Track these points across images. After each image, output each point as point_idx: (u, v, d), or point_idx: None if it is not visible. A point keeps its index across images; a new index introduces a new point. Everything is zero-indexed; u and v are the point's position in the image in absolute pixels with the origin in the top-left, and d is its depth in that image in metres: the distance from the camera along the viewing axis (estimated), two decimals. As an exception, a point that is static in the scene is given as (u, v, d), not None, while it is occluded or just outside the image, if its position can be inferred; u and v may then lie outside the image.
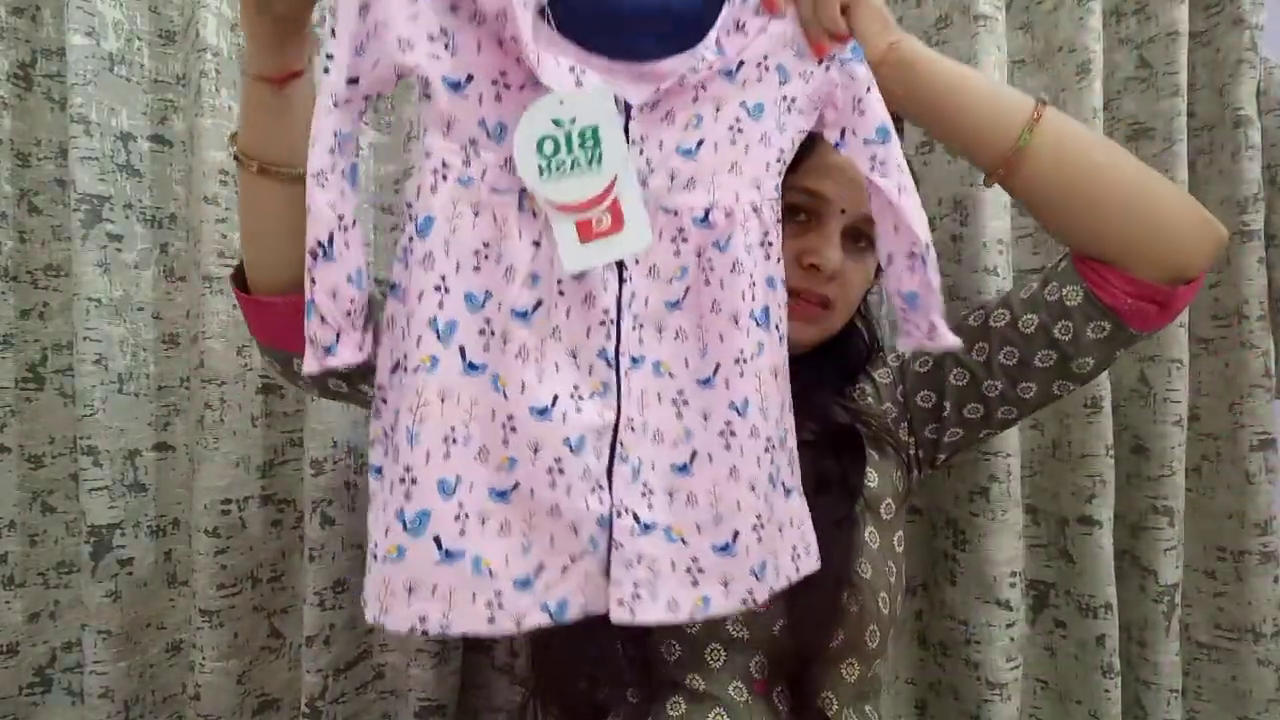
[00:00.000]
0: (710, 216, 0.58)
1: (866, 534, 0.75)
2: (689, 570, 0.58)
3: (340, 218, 0.54)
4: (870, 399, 0.82)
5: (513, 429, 0.54)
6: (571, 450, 0.54)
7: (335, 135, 0.53)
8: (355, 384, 0.71)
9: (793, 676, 0.70)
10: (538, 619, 0.54)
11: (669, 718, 0.71)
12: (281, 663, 1.00)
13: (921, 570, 1.05)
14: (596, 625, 0.67)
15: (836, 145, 0.62)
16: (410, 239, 0.54)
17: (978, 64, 0.95)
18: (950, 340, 0.62)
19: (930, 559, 1.04)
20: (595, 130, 0.53)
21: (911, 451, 0.81)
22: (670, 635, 0.71)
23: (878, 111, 0.61)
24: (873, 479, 0.77)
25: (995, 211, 0.96)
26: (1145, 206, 0.65)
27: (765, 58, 0.59)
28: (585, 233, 0.54)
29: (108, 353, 0.93)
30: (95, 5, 0.91)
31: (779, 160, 0.61)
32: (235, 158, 0.63)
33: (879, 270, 0.81)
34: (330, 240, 0.53)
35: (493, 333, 0.54)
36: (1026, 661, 1.01)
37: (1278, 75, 0.98)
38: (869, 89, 0.61)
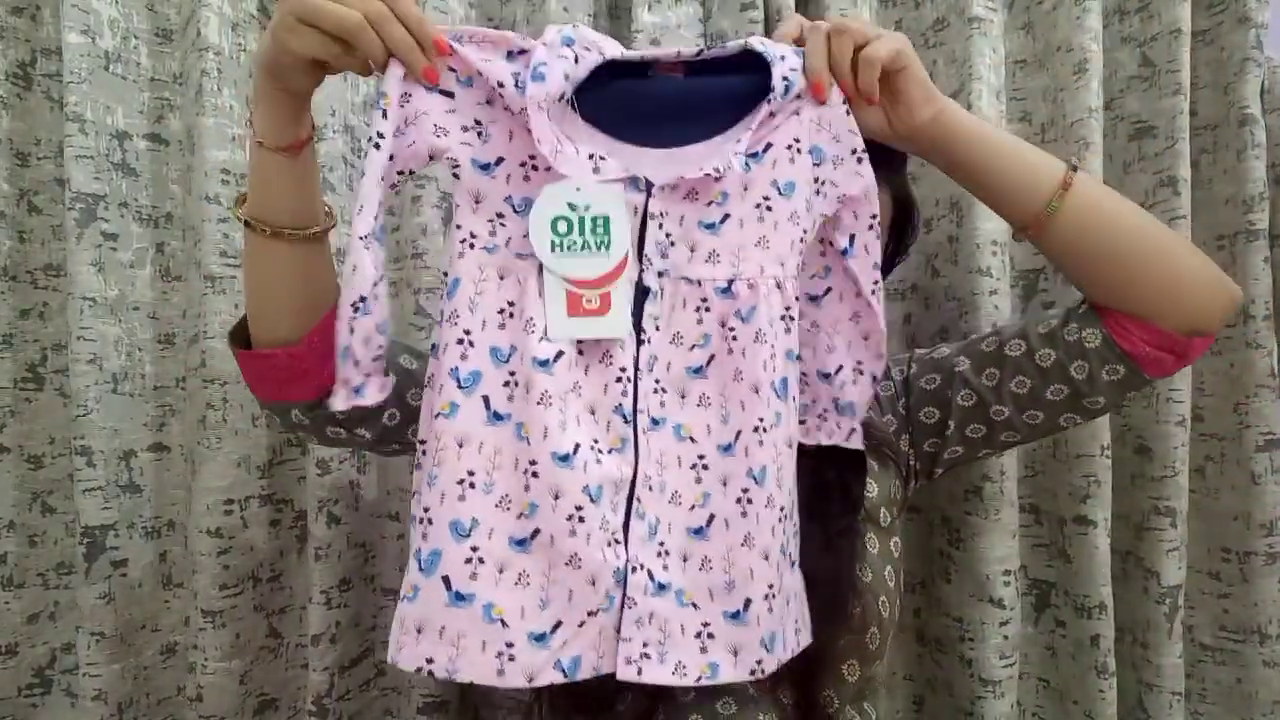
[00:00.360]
0: (733, 287, 0.61)
1: (866, 540, 0.76)
2: (698, 635, 0.59)
3: (379, 275, 0.58)
4: (871, 411, 0.81)
5: (534, 474, 0.56)
6: (591, 499, 0.56)
7: (379, 205, 0.57)
8: (352, 429, 0.73)
9: (796, 676, 0.70)
10: (550, 676, 0.56)
11: (678, 703, 0.71)
12: (280, 662, 1.00)
13: (919, 568, 1.05)
14: None
15: (844, 252, 0.65)
16: (443, 300, 0.59)
17: (972, 66, 0.96)
18: (859, 446, 0.69)
19: (927, 557, 1.04)
20: (607, 220, 0.58)
21: (910, 463, 0.81)
22: None
23: (878, 245, 0.65)
24: (872, 489, 0.77)
25: (989, 213, 0.95)
26: (1167, 269, 0.67)
27: (796, 140, 0.61)
28: (574, 307, 0.58)
29: (103, 352, 0.92)
30: (91, 3, 0.91)
31: (802, 239, 0.63)
32: (245, 223, 0.65)
33: (887, 268, 0.82)
34: (367, 296, 0.57)
35: (517, 384, 0.58)
36: (1029, 661, 1.01)
37: (1281, 74, 0.97)
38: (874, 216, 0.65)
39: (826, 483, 0.74)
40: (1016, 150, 0.67)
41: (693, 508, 0.60)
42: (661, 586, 0.58)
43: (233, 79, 0.93)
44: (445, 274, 0.62)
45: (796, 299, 0.63)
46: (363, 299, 0.57)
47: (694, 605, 0.59)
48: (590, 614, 0.57)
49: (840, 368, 0.67)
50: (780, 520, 0.61)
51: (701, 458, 0.60)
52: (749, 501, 0.59)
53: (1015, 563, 0.95)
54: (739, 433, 0.60)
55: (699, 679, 0.58)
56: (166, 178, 0.99)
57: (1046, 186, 0.66)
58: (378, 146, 0.56)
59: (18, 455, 0.97)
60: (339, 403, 0.58)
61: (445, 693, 0.96)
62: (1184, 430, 0.96)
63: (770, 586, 0.60)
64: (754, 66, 0.61)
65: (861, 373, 0.67)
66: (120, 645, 0.94)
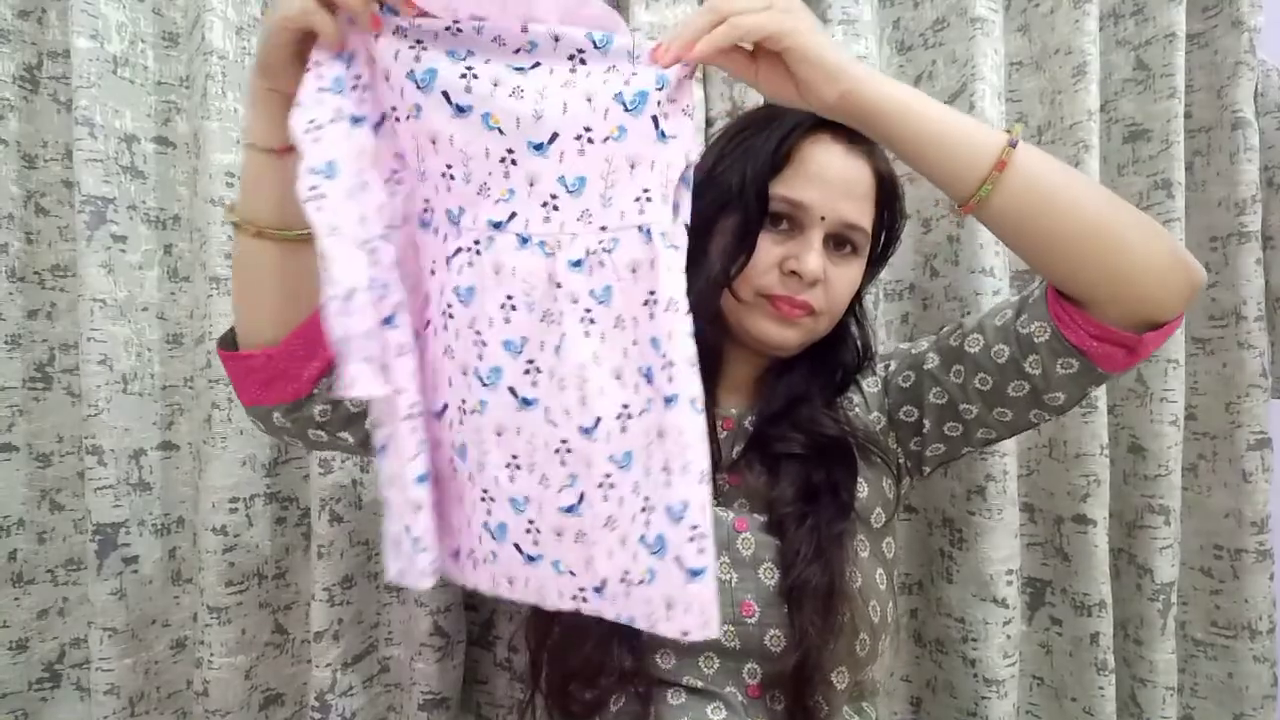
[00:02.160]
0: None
1: (856, 542, 0.76)
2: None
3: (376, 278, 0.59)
4: (858, 409, 0.82)
5: (569, 450, 0.59)
6: (620, 467, 0.58)
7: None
8: (334, 432, 0.74)
9: (785, 683, 0.71)
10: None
11: (670, 706, 0.72)
12: (285, 658, 1.01)
13: (918, 569, 1.06)
14: (591, 631, 0.68)
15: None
16: (449, 307, 0.61)
17: (975, 67, 0.96)
18: None
19: (927, 557, 1.05)
20: None
21: (900, 461, 0.82)
22: (663, 643, 0.72)
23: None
24: (862, 489, 0.77)
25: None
26: (1110, 250, 0.62)
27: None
28: None
29: (112, 353, 0.94)
30: (99, 8, 0.92)
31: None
32: (234, 224, 0.67)
33: (871, 271, 0.81)
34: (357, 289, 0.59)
35: (538, 369, 0.59)
36: (1023, 658, 1.02)
37: (1275, 78, 0.99)
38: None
39: (815, 486, 0.74)
40: (944, 128, 0.62)
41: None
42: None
43: (237, 82, 0.94)
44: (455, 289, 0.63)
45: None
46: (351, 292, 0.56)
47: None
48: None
49: None
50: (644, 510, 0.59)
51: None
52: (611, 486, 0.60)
53: (1017, 562, 0.96)
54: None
55: None
56: (174, 180, 1.00)
57: (981, 165, 0.61)
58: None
59: (27, 453, 0.98)
60: (343, 390, 0.57)
61: (446, 689, 0.98)
62: (1177, 429, 0.97)
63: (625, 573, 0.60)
64: None
65: None
66: (131, 640, 0.96)
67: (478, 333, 0.60)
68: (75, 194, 0.92)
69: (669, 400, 0.55)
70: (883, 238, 0.81)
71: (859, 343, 0.85)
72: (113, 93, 0.94)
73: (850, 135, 0.72)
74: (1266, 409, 0.98)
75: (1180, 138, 0.96)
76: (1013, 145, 0.61)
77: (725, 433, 0.80)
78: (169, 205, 1.00)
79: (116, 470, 0.94)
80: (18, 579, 0.98)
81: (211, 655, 0.93)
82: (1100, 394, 0.95)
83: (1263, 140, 0.98)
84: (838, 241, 0.76)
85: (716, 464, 0.74)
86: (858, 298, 0.82)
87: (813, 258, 0.73)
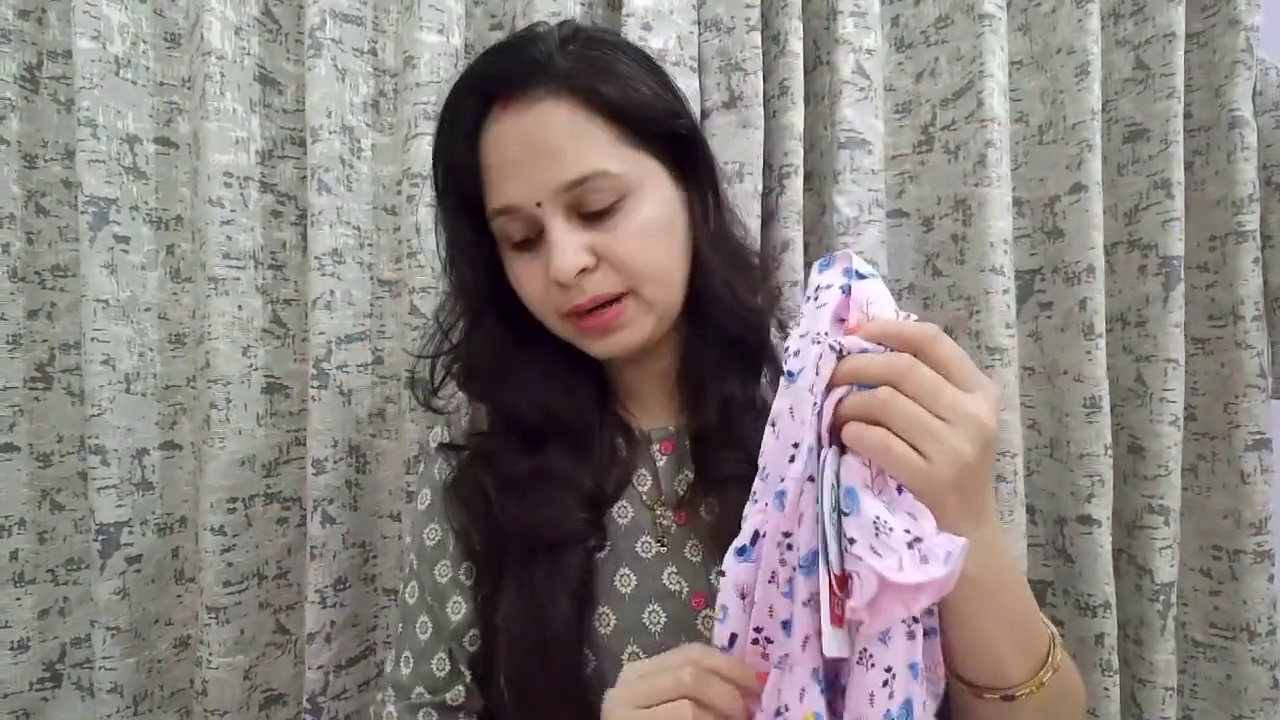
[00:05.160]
0: None
1: None
2: None
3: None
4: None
5: None
6: None
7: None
8: None
9: None
10: None
11: None
12: (287, 658, 1.01)
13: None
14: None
15: None
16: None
17: (983, 64, 0.96)
18: None
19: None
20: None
21: None
22: None
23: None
24: None
25: (998, 211, 0.96)
26: None
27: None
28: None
29: (115, 353, 0.94)
30: (101, 9, 0.92)
31: None
32: None
33: (699, 189, 0.67)
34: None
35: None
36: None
37: (1273, 76, 0.98)
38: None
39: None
40: (1009, 635, 0.53)
41: None
42: None
43: (235, 83, 0.94)
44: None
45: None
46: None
47: None
48: None
49: None
50: None
51: None
52: None
53: (1024, 564, 0.96)
54: None
55: None
56: (175, 180, 1.00)
57: (1013, 681, 0.53)
58: None
59: (27, 453, 0.99)
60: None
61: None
62: (1177, 430, 0.97)
63: None
64: None
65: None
66: (135, 639, 0.96)
67: None
68: (78, 195, 0.92)
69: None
70: (667, 139, 0.65)
71: (734, 295, 0.67)
72: (115, 93, 0.94)
73: (510, 86, 0.61)
74: (1266, 409, 0.98)
75: (1180, 137, 0.96)
76: (1054, 667, 0.54)
77: (665, 458, 0.71)
78: (171, 206, 1.00)
79: (119, 470, 0.94)
80: (19, 579, 0.98)
81: (210, 655, 0.94)
82: (1104, 393, 0.95)
83: (1261, 139, 0.98)
84: (577, 210, 0.61)
85: (657, 502, 0.69)
86: (701, 238, 0.66)
87: (559, 254, 0.60)
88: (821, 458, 0.47)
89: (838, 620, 0.46)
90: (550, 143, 0.60)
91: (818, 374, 0.48)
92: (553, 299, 0.63)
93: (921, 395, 0.45)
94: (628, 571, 0.68)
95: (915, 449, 0.44)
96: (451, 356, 0.73)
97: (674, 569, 0.68)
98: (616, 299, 0.63)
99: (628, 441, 0.72)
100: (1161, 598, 0.97)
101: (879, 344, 0.47)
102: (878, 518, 0.45)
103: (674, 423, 0.72)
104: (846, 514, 0.46)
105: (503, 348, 0.69)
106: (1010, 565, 0.53)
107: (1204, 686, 1.05)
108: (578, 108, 0.61)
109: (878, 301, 0.49)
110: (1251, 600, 0.99)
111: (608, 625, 0.66)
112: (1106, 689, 0.96)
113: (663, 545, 0.69)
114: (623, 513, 0.70)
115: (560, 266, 0.60)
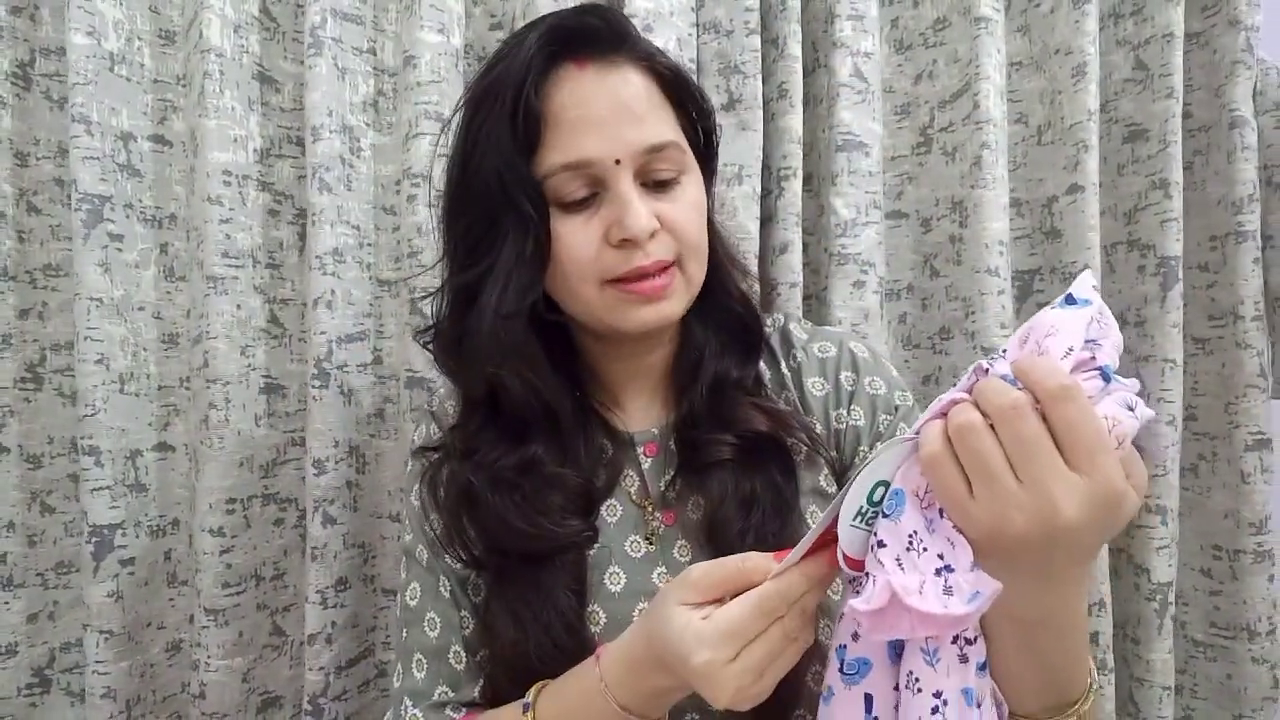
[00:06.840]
0: None
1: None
2: None
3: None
4: (780, 401, 0.72)
5: None
6: None
7: None
8: None
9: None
10: None
11: None
12: (284, 660, 1.00)
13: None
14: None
15: None
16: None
17: (980, 66, 0.97)
18: None
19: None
20: None
21: (838, 468, 0.71)
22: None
23: None
24: (805, 482, 0.68)
25: (995, 213, 0.97)
26: None
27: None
28: None
29: (109, 352, 0.93)
30: (96, 5, 0.91)
31: None
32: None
33: (707, 179, 0.70)
34: None
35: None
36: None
37: (1273, 76, 0.99)
38: None
39: (752, 491, 0.65)
40: (1041, 673, 0.51)
41: None
42: None
43: (234, 80, 0.94)
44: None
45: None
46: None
47: None
48: None
49: None
50: None
51: None
52: None
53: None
54: None
55: None
56: (170, 178, 0.99)
57: (1026, 710, 0.52)
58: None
59: (17, 455, 0.97)
60: None
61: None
62: (1174, 430, 0.97)
63: None
64: None
65: None
66: (127, 643, 0.95)
67: None
68: (71, 192, 0.91)
69: None
70: (700, 135, 0.69)
71: (734, 284, 0.71)
72: (109, 90, 0.93)
73: (593, 47, 0.62)
74: (1266, 409, 0.98)
75: (1179, 138, 0.96)
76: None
77: (649, 460, 0.71)
78: (165, 204, 0.99)
79: (112, 471, 0.93)
80: (8, 583, 0.96)
81: (209, 657, 0.92)
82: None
83: (1261, 139, 0.99)
84: (652, 176, 0.63)
85: (646, 500, 0.70)
86: (712, 224, 0.69)
87: (635, 212, 0.60)
88: (907, 439, 0.46)
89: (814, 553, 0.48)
90: (636, 107, 0.62)
91: (957, 385, 0.46)
92: (604, 261, 0.62)
93: (1009, 444, 0.41)
94: (618, 570, 0.68)
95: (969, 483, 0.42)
96: (444, 329, 0.70)
97: (663, 569, 0.68)
98: (667, 267, 0.64)
99: (613, 442, 0.71)
100: (1159, 597, 0.97)
101: (1018, 379, 0.43)
102: (914, 533, 0.44)
103: (657, 425, 0.72)
104: (886, 515, 0.45)
105: (506, 321, 0.65)
106: (1073, 626, 0.49)
107: (1204, 686, 1.05)
108: (654, 85, 0.64)
109: (1062, 333, 0.45)
110: (1252, 600, 1.00)
111: (598, 623, 0.66)
112: (1101, 688, 0.96)
113: (651, 545, 0.69)
114: (612, 511, 0.70)
115: (639, 223, 0.60)
